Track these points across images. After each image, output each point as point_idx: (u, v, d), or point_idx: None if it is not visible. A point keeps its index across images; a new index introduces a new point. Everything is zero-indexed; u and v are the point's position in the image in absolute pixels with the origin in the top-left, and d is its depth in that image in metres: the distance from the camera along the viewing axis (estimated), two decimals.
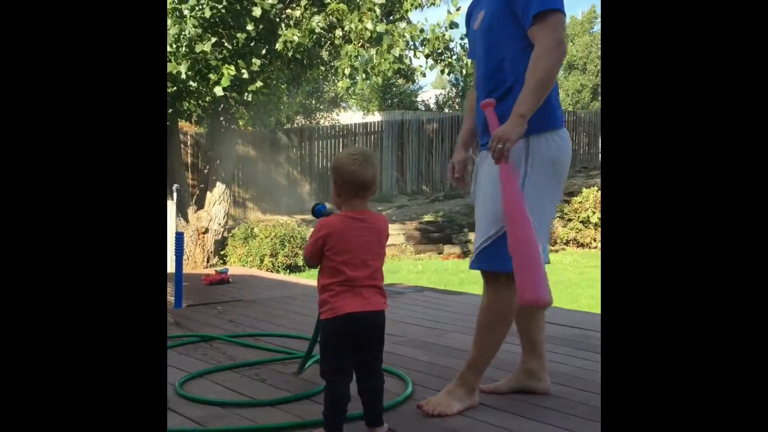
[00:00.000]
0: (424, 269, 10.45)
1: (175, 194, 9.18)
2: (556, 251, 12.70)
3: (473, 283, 9.20)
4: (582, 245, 12.81)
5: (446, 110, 21.03)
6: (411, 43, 8.97)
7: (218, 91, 8.30)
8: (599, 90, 23.32)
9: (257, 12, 8.21)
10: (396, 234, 12.19)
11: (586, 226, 12.67)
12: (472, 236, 12.60)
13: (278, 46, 8.51)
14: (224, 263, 9.60)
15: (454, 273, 10.11)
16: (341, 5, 8.53)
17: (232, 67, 8.24)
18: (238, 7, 8.29)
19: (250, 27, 8.33)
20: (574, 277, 9.78)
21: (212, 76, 8.27)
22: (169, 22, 8.13)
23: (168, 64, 8.13)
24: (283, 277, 8.09)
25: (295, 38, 8.36)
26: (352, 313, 2.30)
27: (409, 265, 10.92)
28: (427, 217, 13.27)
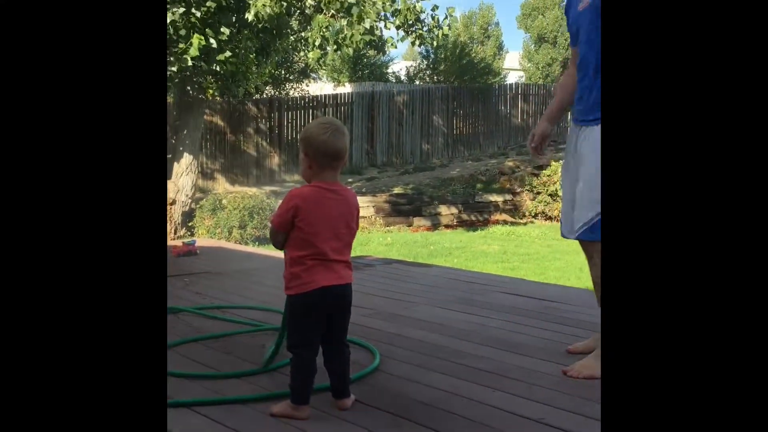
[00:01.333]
0: (393, 241, 10.48)
1: None
2: (525, 224, 12.82)
3: (442, 255, 9.25)
4: (550, 218, 12.94)
5: (417, 82, 20.93)
6: (382, 13, 8.88)
7: (187, 60, 8.15)
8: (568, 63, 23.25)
9: None
10: (366, 206, 12.18)
11: (554, 200, 12.79)
12: (441, 209, 12.65)
13: (249, 17, 8.36)
14: (192, 235, 9.51)
15: (423, 245, 10.14)
16: None
17: (202, 37, 8.08)
18: None
19: None
20: (541, 250, 9.88)
21: (181, 45, 8.11)
22: None
23: None
24: (252, 249, 8.04)
25: (267, 9, 8.22)
26: (326, 287, 2.29)
27: (379, 237, 10.93)
28: (397, 190, 13.28)
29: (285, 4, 8.47)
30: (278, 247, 2.38)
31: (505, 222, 12.92)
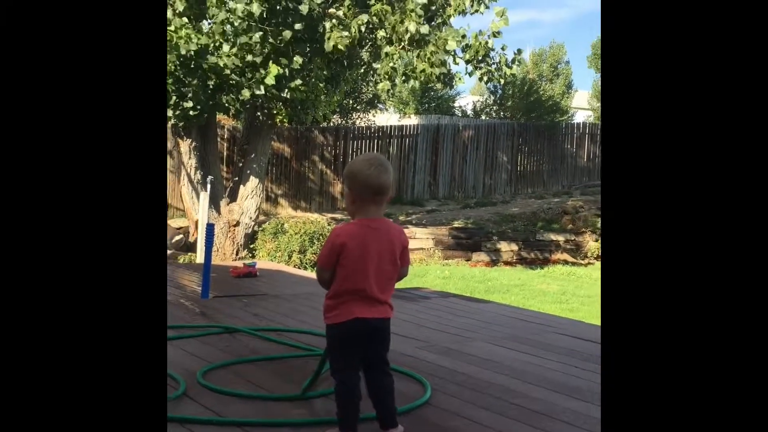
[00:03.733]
0: (451, 275, 10.42)
1: (208, 186, 9.29)
2: (586, 265, 12.57)
3: (500, 291, 9.15)
4: None
5: (483, 117, 20.94)
6: (456, 49, 8.96)
7: (262, 87, 8.38)
8: None
9: (304, 9, 8.28)
10: (425, 238, 12.17)
11: None
12: (501, 245, 12.54)
13: (326, 47, 8.55)
14: (253, 257, 9.68)
15: (481, 281, 10.06)
16: (385, 6, 8.56)
17: (277, 67, 8.33)
18: (285, 4, 8.38)
19: (298, 26, 8.40)
20: None
21: (260, 73, 8.37)
22: (213, 12, 8.25)
23: (212, 57, 8.24)
24: (310, 274, 8.12)
25: (345, 41, 8.39)
26: (358, 318, 2.31)
27: (436, 269, 10.90)
28: (458, 223, 13.23)
29: (358, 36, 8.64)
30: (325, 286, 2.40)
31: (565, 262, 12.70)
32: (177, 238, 10.88)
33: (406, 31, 8.53)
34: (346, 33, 8.43)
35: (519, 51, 9.52)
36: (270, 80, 8.28)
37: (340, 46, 8.38)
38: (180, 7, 8.17)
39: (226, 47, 8.20)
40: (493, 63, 9.25)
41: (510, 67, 9.30)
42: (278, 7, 8.47)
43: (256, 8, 8.06)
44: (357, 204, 2.38)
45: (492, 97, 21.53)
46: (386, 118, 19.35)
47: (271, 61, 8.36)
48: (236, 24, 8.11)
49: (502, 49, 9.38)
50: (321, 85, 9.51)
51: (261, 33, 8.22)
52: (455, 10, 9.15)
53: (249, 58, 8.30)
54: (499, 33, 9.04)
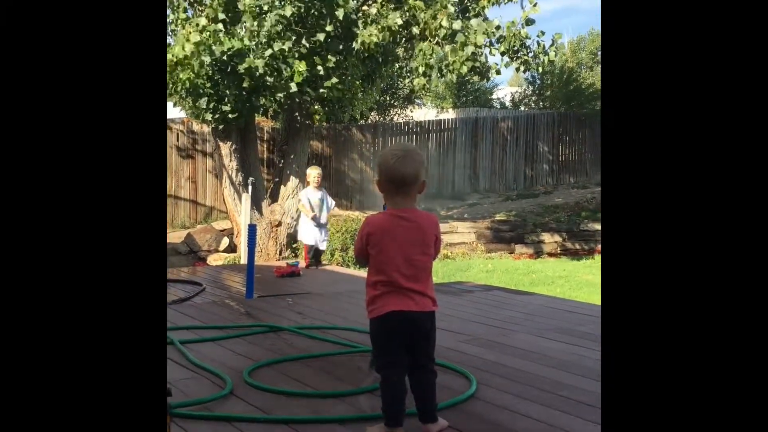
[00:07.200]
0: (494, 268, 10.35)
1: (250, 187, 9.38)
2: None
3: (544, 283, 9.05)
4: None
5: (522, 108, 20.73)
6: (486, 40, 8.87)
7: (292, 86, 8.43)
8: None
9: (340, 14, 8.30)
10: (467, 232, 12.10)
11: None
12: (545, 236, 12.40)
13: (355, 46, 8.56)
14: (296, 256, 9.74)
15: (525, 273, 9.96)
16: (418, 2, 8.53)
17: (303, 63, 8.35)
18: (319, 7, 8.41)
19: (329, 27, 8.42)
20: None
21: (285, 72, 8.41)
22: (246, 18, 8.32)
23: (246, 59, 8.32)
24: (353, 271, 8.15)
25: (373, 38, 8.40)
26: (396, 311, 2.31)
27: (480, 263, 10.83)
28: (499, 216, 13.13)
29: (388, 34, 8.62)
30: (363, 265, 2.48)
31: None
32: (223, 240, 11.01)
33: (440, 26, 8.48)
34: (375, 30, 8.42)
35: (558, 35, 9.38)
36: (297, 78, 8.31)
37: (369, 42, 8.37)
38: (218, 15, 8.27)
39: (264, 54, 8.25)
40: (530, 52, 9.13)
41: (547, 54, 9.16)
42: (315, 7, 8.49)
43: (289, 11, 8.11)
44: (385, 193, 2.40)
45: (531, 88, 21.30)
46: (424, 113, 19.27)
47: (297, 60, 8.39)
48: (269, 27, 8.17)
49: (538, 36, 9.26)
50: (357, 82, 9.52)
51: (294, 38, 8.26)
52: (489, 1, 9.07)
53: (280, 60, 8.34)
54: (532, 21, 8.91)
